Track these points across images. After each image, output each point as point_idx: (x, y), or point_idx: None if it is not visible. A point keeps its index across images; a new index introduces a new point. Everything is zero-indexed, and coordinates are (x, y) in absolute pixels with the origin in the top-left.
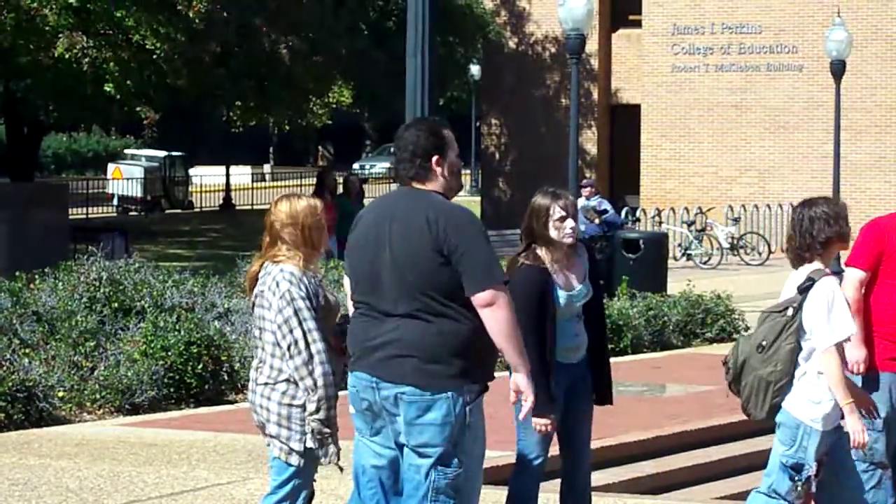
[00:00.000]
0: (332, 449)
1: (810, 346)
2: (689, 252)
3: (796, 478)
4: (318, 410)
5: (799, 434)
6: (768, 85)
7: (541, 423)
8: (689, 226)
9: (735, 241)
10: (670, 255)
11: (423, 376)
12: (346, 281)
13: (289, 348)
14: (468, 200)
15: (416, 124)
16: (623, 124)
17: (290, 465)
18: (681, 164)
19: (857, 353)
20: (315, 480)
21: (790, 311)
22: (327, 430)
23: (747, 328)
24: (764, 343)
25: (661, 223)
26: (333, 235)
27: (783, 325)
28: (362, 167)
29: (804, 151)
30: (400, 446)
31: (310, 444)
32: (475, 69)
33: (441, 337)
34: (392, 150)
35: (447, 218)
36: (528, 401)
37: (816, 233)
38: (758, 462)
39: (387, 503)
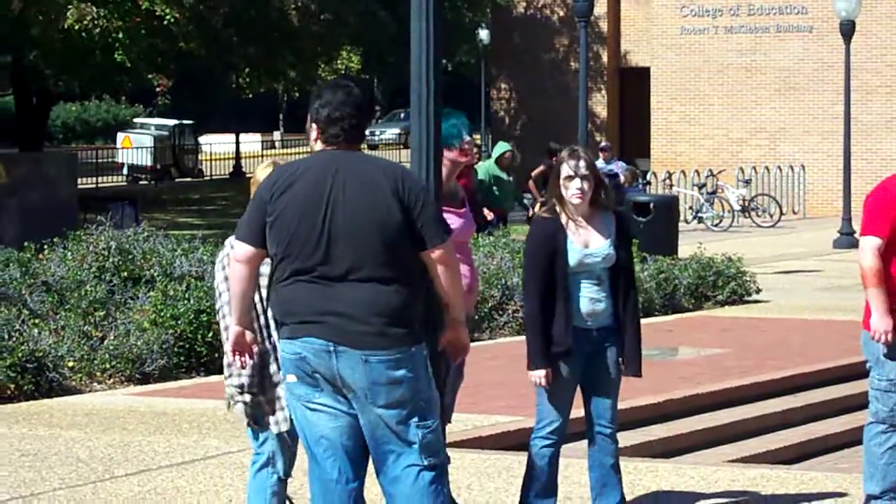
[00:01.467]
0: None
1: None
2: (700, 215)
3: None
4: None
5: None
6: (778, 46)
7: (533, 375)
8: (700, 188)
9: (746, 204)
10: (681, 217)
11: (388, 337)
12: (241, 245)
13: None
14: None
15: (347, 85)
16: (632, 87)
17: (262, 431)
18: (691, 126)
19: (884, 323)
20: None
21: None
22: (240, 396)
23: (759, 290)
24: None
25: (671, 186)
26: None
27: None
28: (372, 133)
29: (815, 113)
30: (367, 409)
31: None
32: (484, 34)
33: (400, 295)
34: (338, 112)
35: (403, 176)
36: (463, 353)
37: None
38: (768, 425)
39: (350, 475)
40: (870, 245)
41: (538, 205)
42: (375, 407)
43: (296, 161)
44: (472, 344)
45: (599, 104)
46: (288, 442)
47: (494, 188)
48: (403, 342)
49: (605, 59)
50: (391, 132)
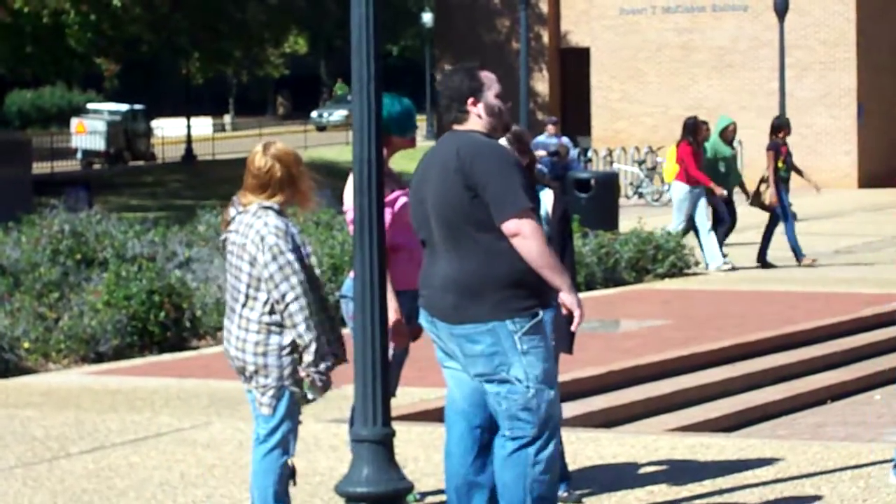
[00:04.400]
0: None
1: None
2: (640, 190)
3: None
4: (313, 359)
5: None
6: (714, 25)
7: None
8: (640, 164)
9: None
10: (622, 193)
11: (463, 311)
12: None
13: (283, 298)
14: (425, 145)
15: (454, 70)
16: (573, 67)
17: (272, 415)
18: (630, 104)
19: None
20: (301, 422)
21: None
22: (323, 377)
23: (697, 263)
24: None
25: (612, 163)
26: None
27: None
28: (320, 115)
29: (751, 89)
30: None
31: (310, 395)
32: (427, 17)
33: (477, 271)
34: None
35: (472, 152)
36: (576, 314)
37: None
38: (708, 394)
39: (471, 435)
40: None
41: None
42: (471, 375)
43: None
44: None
45: (541, 84)
46: (298, 422)
47: (721, 165)
48: (480, 316)
49: (545, 39)
50: (338, 114)
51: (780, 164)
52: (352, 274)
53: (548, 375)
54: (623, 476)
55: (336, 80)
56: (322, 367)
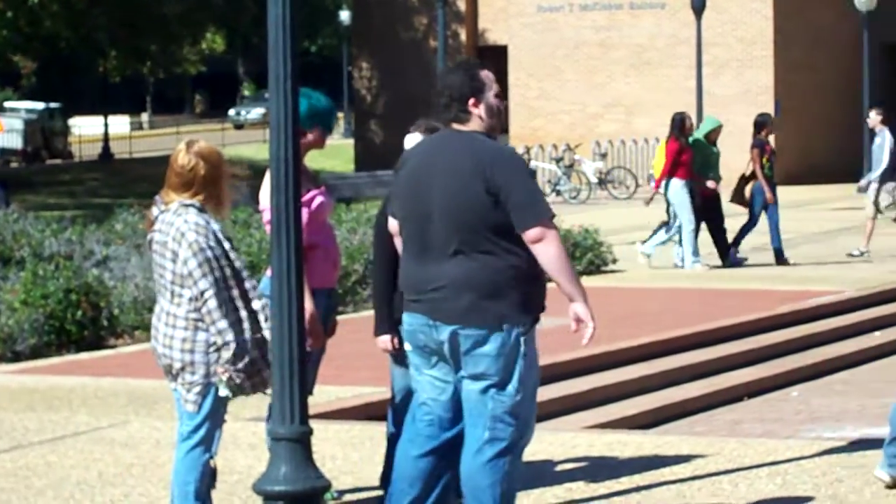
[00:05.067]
0: (246, 386)
1: None
2: (558, 188)
3: None
4: (234, 357)
5: None
6: (631, 23)
7: (379, 341)
8: (558, 162)
9: (603, 176)
10: None
11: (479, 313)
12: (391, 221)
13: (201, 295)
14: (342, 143)
15: (453, 69)
16: (491, 64)
17: (197, 412)
18: (548, 102)
19: None
20: (225, 420)
21: None
22: (245, 373)
23: (615, 260)
24: None
25: (530, 160)
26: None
27: None
28: (238, 114)
29: (668, 87)
30: (460, 379)
31: (223, 391)
32: (344, 15)
33: (493, 273)
34: (439, 92)
35: (492, 157)
36: (590, 327)
37: None
38: (625, 391)
39: (440, 437)
40: None
41: None
42: (465, 377)
43: (420, 141)
44: (337, 317)
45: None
46: (222, 421)
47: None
48: (493, 319)
49: (463, 37)
50: (256, 112)
51: (764, 162)
52: (268, 273)
53: (535, 384)
54: (541, 474)
55: (254, 78)
56: (241, 364)
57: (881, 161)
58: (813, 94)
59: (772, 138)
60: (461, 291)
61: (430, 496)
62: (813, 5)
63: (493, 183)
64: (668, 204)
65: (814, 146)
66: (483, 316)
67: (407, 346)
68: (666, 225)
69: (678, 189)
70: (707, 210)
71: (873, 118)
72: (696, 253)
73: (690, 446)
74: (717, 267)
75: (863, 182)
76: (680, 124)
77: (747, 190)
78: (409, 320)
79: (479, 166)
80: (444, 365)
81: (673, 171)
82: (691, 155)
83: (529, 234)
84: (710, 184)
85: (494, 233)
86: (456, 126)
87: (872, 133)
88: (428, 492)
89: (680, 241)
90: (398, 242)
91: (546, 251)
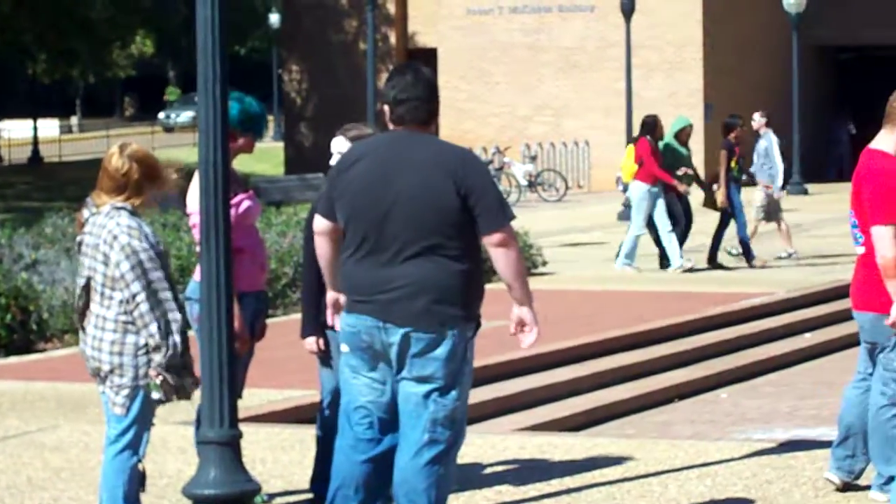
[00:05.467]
0: (175, 391)
1: None
2: None
3: None
4: (166, 358)
5: None
6: (561, 26)
7: (306, 343)
8: (488, 165)
9: (533, 179)
10: None
11: (433, 316)
12: (319, 220)
13: (133, 297)
14: (272, 146)
15: (418, 69)
16: None
17: (125, 415)
18: (478, 104)
19: None
20: (154, 424)
21: None
22: (173, 376)
23: (545, 263)
24: None
25: None
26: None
27: None
28: (167, 117)
29: (598, 89)
30: (398, 381)
31: (155, 394)
32: (274, 18)
33: (450, 277)
34: (405, 93)
35: (463, 159)
36: (534, 332)
37: None
38: (556, 393)
39: (379, 441)
40: (889, 235)
41: None
42: (409, 377)
43: (366, 140)
44: (266, 321)
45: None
46: (150, 424)
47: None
48: (448, 322)
49: (393, 40)
50: (186, 115)
51: (733, 164)
52: (195, 276)
53: (469, 389)
54: (471, 476)
55: (183, 81)
56: (172, 367)
57: (773, 164)
58: (743, 97)
59: (776, 136)
60: (417, 294)
61: (376, 501)
62: (743, 8)
63: (464, 184)
64: (629, 203)
65: (744, 149)
66: (437, 319)
67: (344, 348)
68: (673, 228)
69: (641, 191)
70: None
71: (758, 120)
72: (630, 257)
73: (621, 448)
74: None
75: (777, 191)
76: (653, 127)
77: (719, 194)
78: (352, 321)
79: (450, 167)
80: (384, 367)
81: (643, 173)
82: (660, 159)
83: (495, 238)
84: (681, 187)
85: (455, 236)
86: (416, 128)
87: (757, 135)
88: (374, 497)
89: (679, 242)
90: (324, 242)
91: (508, 255)
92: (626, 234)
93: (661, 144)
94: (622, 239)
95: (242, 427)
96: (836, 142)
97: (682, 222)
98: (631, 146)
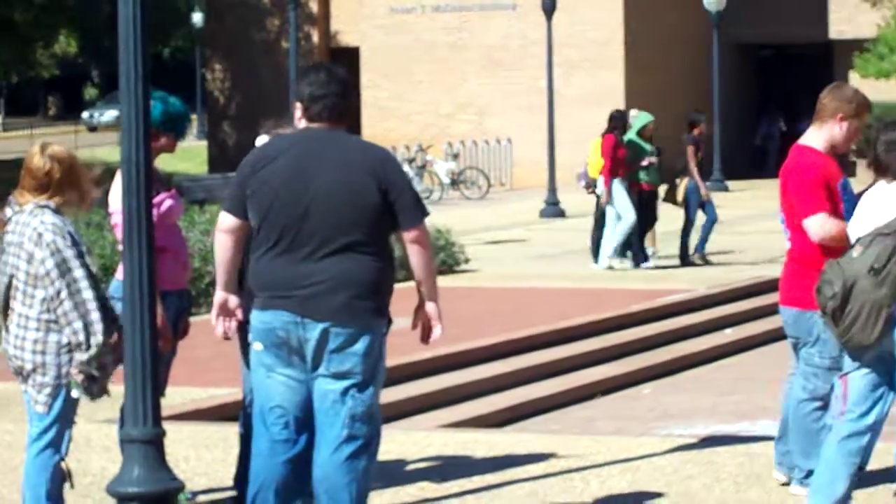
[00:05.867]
0: (96, 389)
1: None
2: None
3: None
4: (91, 357)
5: None
6: (483, 24)
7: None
8: (410, 163)
9: (455, 177)
10: None
11: (352, 311)
12: (227, 218)
13: (57, 295)
14: (195, 145)
15: (333, 68)
16: (343, 66)
17: (47, 413)
18: (401, 103)
19: None
20: (76, 422)
21: None
22: (96, 374)
23: (468, 260)
24: (876, 266)
25: None
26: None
27: (894, 248)
28: (91, 116)
29: (520, 88)
30: (314, 378)
31: (76, 393)
32: (197, 17)
33: (368, 273)
34: (322, 90)
35: (382, 156)
36: (439, 327)
37: None
38: (480, 390)
39: (296, 441)
40: (821, 219)
41: None
42: (326, 374)
43: (281, 137)
44: (190, 319)
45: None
46: (72, 422)
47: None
48: (366, 317)
49: (315, 39)
50: (110, 114)
51: (698, 160)
52: (118, 275)
53: (382, 386)
54: (394, 473)
55: (107, 81)
56: (94, 366)
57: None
58: (664, 95)
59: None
60: (337, 289)
61: (296, 501)
62: (663, 6)
63: (385, 180)
64: (597, 201)
65: (664, 146)
66: (356, 315)
67: (257, 346)
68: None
69: (615, 186)
70: (640, 209)
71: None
72: (620, 253)
73: (543, 444)
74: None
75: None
76: (622, 121)
77: (680, 189)
78: (266, 318)
79: (372, 164)
80: (299, 363)
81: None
82: (626, 153)
83: (412, 234)
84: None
85: (373, 232)
86: (332, 125)
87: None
88: (294, 497)
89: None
90: (228, 240)
91: (422, 251)
92: (617, 231)
93: (624, 140)
94: (545, 236)
95: (166, 425)
96: (768, 138)
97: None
98: (597, 141)
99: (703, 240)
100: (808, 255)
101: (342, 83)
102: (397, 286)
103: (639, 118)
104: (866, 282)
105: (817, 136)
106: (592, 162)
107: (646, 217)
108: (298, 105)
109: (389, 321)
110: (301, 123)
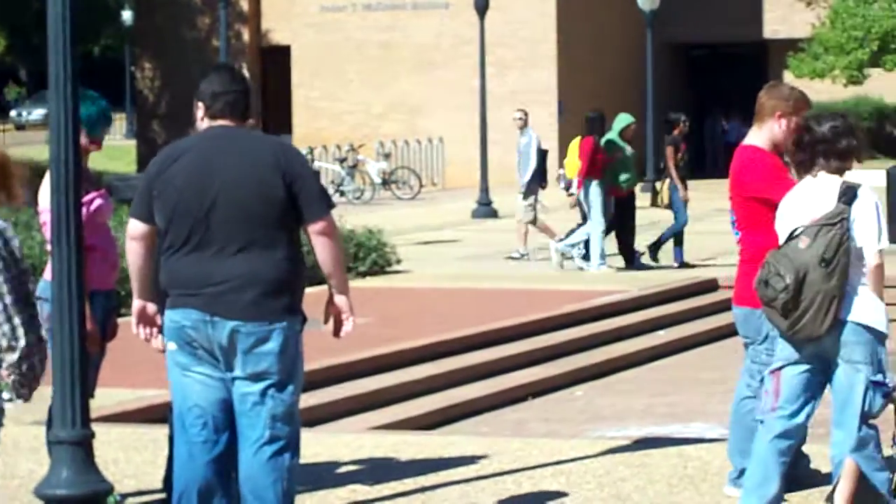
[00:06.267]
0: (26, 392)
1: (865, 254)
2: (341, 188)
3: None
4: (19, 361)
5: (874, 347)
6: (415, 23)
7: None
8: (342, 162)
9: (387, 177)
10: None
11: (262, 308)
12: (135, 224)
13: None
14: (125, 144)
15: (230, 66)
16: (274, 65)
17: None
18: (332, 102)
19: None
20: (3, 424)
21: (844, 223)
22: (25, 380)
23: (399, 261)
24: (827, 256)
25: (313, 161)
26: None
27: (840, 237)
28: (19, 114)
29: (452, 87)
30: (232, 380)
31: (6, 395)
32: (127, 15)
33: (278, 270)
34: (223, 87)
35: (285, 150)
36: (351, 320)
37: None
38: (411, 391)
39: (216, 441)
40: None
41: None
42: (243, 376)
43: (185, 138)
44: (119, 319)
45: None
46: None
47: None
48: (276, 314)
49: (246, 37)
50: (38, 113)
51: (678, 160)
52: (46, 275)
53: (302, 384)
54: (324, 475)
55: (36, 79)
56: (24, 367)
57: (528, 162)
58: (597, 94)
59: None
60: (245, 287)
61: (222, 501)
62: (597, 6)
63: (289, 174)
64: (579, 203)
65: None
66: (266, 312)
67: (171, 346)
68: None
69: (592, 188)
70: (619, 211)
71: (522, 118)
72: (603, 256)
73: (475, 446)
74: (622, 269)
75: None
76: (600, 123)
77: (663, 191)
78: (177, 317)
79: (275, 158)
80: (213, 361)
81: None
82: (605, 155)
83: (318, 226)
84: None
85: (282, 228)
86: (235, 122)
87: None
88: (220, 498)
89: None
90: (139, 247)
91: (330, 243)
92: (590, 236)
93: (603, 141)
94: (477, 236)
95: (95, 427)
96: (710, 138)
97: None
98: (576, 142)
99: (661, 241)
100: (760, 255)
101: (244, 81)
102: (321, 287)
103: (619, 119)
104: (817, 273)
105: (759, 136)
106: (570, 163)
107: (625, 221)
108: (200, 105)
109: (304, 319)
110: (203, 124)
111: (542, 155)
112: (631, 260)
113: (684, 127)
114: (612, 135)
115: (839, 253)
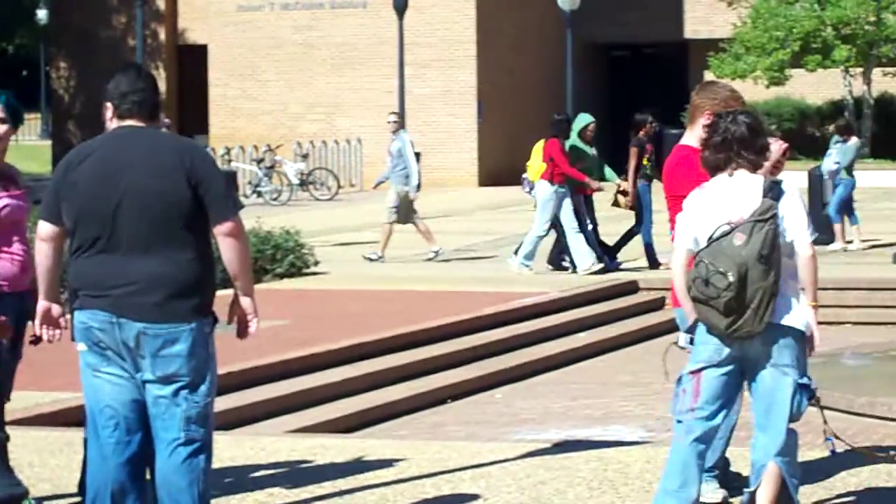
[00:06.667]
0: None
1: (798, 246)
2: (258, 189)
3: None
4: None
5: (801, 349)
6: (333, 23)
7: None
8: (259, 163)
9: (304, 178)
10: (240, 192)
11: (169, 310)
12: (44, 226)
13: None
14: (40, 144)
15: (138, 66)
16: (190, 64)
17: None
18: (249, 102)
19: None
20: None
21: (774, 219)
22: None
23: (317, 262)
24: (765, 252)
25: (230, 161)
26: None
27: (774, 233)
28: None
29: (370, 87)
30: (143, 383)
31: None
32: (42, 13)
33: (185, 271)
34: (130, 87)
35: (191, 150)
36: (255, 321)
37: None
38: (329, 394)
39: (129, 442)
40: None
41: None
42: (153, 379)
43: (92, 139)
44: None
45: (158, 82)
46: None
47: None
48: (184, 316)
49: (162, 37)
50: None
51: (645, 162)
52: None
53: (216, 386)
54: (241, 479)
55: None
56: None
57: (407, 164)
58: (517, 94)
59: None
60: (153, 288)
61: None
62: (517, 5)
63: (194, 175)
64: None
65: (517, 147)
66: (173, 313)
67: (81, 347)
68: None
69: (548, 191)
70: (590, 212)
71: (396, 121)
72: (529, 257)
73: (394, 450)
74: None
75: (413, 192)
76: (567, 125)
77: (629, 192)
78: (84, 318)
79: (180, 158)
80: (122, 362)
81: (550, 173)
82: (569, 159)
83: (225, 227)
84: (594, 185)
85: (188, 228)
86: (142, 122)
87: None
88: (134, 500)
89: (567, 246)
90: (47, 249)
91: (237, 245)
92: (528, 233)
93: (567, 146)
94: (394, 237)
95: (10, 430)
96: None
97: (585, 222)
98: (539, 145)
99: (622, 243)
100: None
101: (151, 80)
102: (258, 287)
103: (578, 119)
104: (756, 270)
105: (692, 136)
106: (533, 166)
107: (594, 219)
108: (109, 105)
109: (215, 320)
110: (112, 124)
111: (416, 157)
112: (601, 258)
113: (650, 128)
114: (573, 139)
115: (774, 249)
